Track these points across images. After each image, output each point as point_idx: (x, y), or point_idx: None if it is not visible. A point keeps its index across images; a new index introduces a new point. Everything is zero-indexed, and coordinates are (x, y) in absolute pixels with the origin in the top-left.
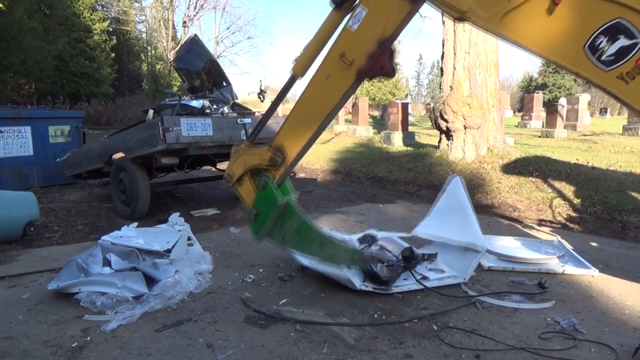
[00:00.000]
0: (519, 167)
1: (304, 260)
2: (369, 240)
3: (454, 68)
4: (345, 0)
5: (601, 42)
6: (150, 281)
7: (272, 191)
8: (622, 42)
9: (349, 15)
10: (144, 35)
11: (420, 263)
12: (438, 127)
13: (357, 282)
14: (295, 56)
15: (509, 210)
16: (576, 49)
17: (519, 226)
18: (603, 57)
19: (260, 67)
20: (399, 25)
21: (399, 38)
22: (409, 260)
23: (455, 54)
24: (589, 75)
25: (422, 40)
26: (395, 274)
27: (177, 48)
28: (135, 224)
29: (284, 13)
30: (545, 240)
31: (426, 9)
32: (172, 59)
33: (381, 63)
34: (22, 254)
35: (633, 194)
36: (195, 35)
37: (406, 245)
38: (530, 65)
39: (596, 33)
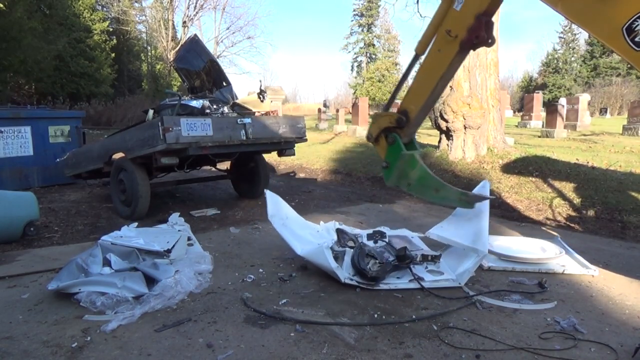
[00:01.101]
0: (519, 167)
1: (298, 249)
2: (378, 236)
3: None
4: None
5: (637, 25)
6: (150, 281)
7: (398, 145)
8: None
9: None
10: (144, 35)
11: (420, 263)
12: (438, 127)
13: (343, 275)
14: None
15: (509, 210)
16: (615, 29)
17: (519, 226)
18: (637, 39)
19: (260, 67)
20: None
21: (398, 38)
22: (402, 259)
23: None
24: (621, 53)
25: None
26: (383, 272)
27: (177, 48)
28: (135, 224)
29: (284, 13)
30: (545, 240)
31: (426, 10)
32: (172, 59)
33: (476, 33)
34: (22, 254)
35: (633, 194)
36: (195, 35)
37: (420, 243)
38: (530, 65)
39: (635, 17)
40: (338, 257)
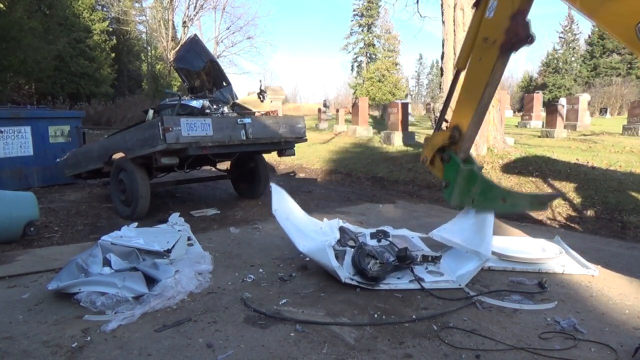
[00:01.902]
0: (519, 167)
1: (300, 245)
2: (381, 235)
3: (454, 68)
4: (480, 0)
5: None
6: (151, 281)
7: (455, 161)
8: None
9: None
10: (144, 35)
11: (421, 264)
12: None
13: (343, 275)
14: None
15: None
16: (629, 26)
17: (519, 226)
18: None
19: (260, 67)
20: None
21: (398, 38)
22: (403, 260)
23: (455, 54)
24: (633, 49)
25: (422, 40)
26: (384, 272)
27: (177, 48)
28: (135, 224)
29: (284, 13)
30: (545, 240)
31: (426, 10)
32: (172, 59)
33: (515, 32)
34: (22, 254)
35: (633, 193)
36: (195, 35)
37: (420, 243)
38: (530, 65)
39: None
40: (339, 256)
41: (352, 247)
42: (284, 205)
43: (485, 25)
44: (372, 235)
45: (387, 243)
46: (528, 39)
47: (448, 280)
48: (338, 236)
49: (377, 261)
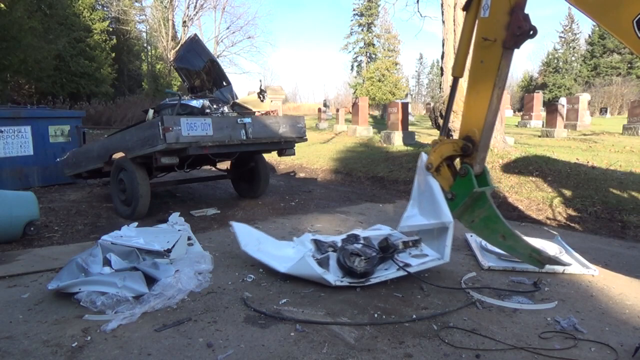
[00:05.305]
0: (519, 167)
1: (281, 268)
2: (353, 239)
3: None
4: (470, 2)
5: None
6: (151, 281)
7: (470, 179)
8: None
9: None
10: (144, 34)
11: (404, 251)
12: (438, 127)
13: (332, 278)
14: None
15: (509, 210)
16: (626, 22)
17: (519, 226)
18: None
19: (260, 66)
20: None
21: (398, 38)
22: (386, 250)
23: (455, 53)
24: (630, 45)
25: (422, 40)
26: (371, 266)
27: (177, 48)
28: (135, 223)
29: (284, 13)
30: (545, 239)
31: (426, 9)
32: (172, 58)
33: (517, 25)
34: (22, 254)
35: (633, 193)
36: (195, 35)
37: (396, 232)
38: (530, 65)
39: None
40: (322, 263)
41: (334, 251)
42: (251, 239)
43: (482, 25)
44: (344, 242)
45: (360, 245)
46: (531, 31)
47: (433, 259)
48: (313, 248)
49: (362, 258)
